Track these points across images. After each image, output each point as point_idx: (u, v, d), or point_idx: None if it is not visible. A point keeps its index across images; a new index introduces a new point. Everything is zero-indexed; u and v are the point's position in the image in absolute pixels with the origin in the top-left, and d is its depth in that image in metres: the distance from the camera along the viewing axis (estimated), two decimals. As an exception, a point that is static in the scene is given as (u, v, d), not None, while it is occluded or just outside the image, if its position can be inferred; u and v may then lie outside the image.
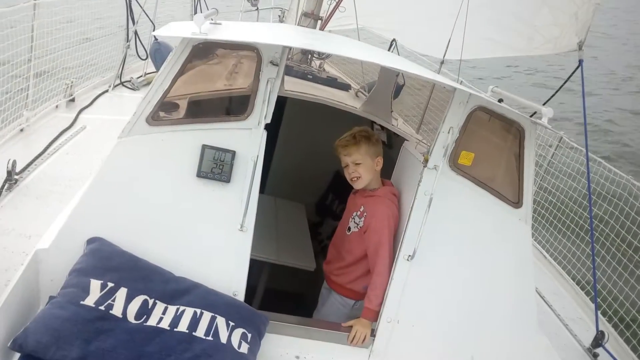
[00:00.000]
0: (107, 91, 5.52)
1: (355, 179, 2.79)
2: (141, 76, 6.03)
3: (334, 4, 4.87)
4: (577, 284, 4.08)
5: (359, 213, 2.81)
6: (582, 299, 3.84)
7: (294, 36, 3.01)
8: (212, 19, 2.38)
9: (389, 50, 6.68)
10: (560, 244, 4.66)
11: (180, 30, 2.35)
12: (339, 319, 2.75)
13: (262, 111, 2.37)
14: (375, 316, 2.62)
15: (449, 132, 2.53)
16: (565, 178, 4.87)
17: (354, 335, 2.58)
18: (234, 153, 2.38)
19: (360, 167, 2.77)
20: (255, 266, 2.97)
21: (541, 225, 4.99)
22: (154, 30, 6.24)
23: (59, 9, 4.77)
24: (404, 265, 2.57)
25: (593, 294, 3.34)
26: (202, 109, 2.53)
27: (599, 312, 3.28)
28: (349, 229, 2.86)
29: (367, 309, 2.63)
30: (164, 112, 2.39)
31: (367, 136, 2.82)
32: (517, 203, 2.66)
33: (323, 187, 4.38)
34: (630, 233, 4.29)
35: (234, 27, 2.65)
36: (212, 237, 2.43)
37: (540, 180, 5.02)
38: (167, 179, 2.39)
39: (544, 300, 3.62)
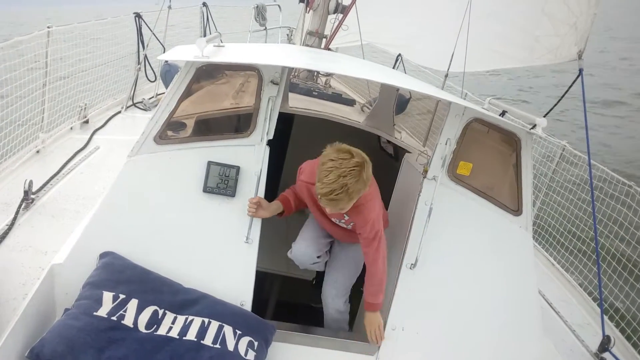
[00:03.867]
0: (119, 112, 5.65)
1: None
2: (152, 97, 6.17)
3: (338, 22, 4.97)
4: (585, 290, 4.09)
5: (344, 221, 2.66)
6: (589, 304, 3.85)
7: (294, 56, 3.11)
8: (215, 42, 2.49)
9: (394, 64, 6.79)
10: (567, 251, 4.68)
11: (184, 53, 2.46)
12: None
13: (264, 128, 2.48)
14: (374, 307, 2.59)
15: (446, 144, 2.60)
16: (570, 186, 4.89)
17: (371, 332, 2.58)
18: (238, 168, 2.48)
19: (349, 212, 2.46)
20: (265, 278, 3.03)
21: (548, 232, 5.00)
22: (164, 53, 6.42)
23: (73, 35, 4.94)
24: (407, 273, 2.63)
25: (599, 299, 3.36)
26: (207, 127, 2.64)
27: (605, 317, 3.29)
28: (335, 223, 2.72)
29: (368, 303, 2.61)
30: (172, 131, 2.50)
31: (345, 191, 2.25)
32: (516, 211, 2.71)
33: None
34: (634, 238, 4.29)
35: (236, 49, 2.76)
36: (219, 249, 2.51)
37: (546, 189, 5.05)
38: (175, 194, 2.49)
39: (551, 307, 3.63)
